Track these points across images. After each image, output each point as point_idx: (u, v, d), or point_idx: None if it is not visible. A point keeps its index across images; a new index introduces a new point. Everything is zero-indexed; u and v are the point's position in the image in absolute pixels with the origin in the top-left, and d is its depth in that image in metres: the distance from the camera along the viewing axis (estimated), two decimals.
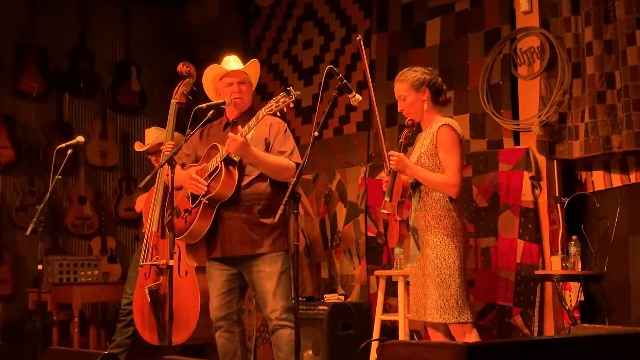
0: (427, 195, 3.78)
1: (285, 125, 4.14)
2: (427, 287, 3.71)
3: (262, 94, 6.87)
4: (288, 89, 3.70)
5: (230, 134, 3.87)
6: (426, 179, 3.76)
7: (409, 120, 3.89)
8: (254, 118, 3.86)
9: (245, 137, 3.82)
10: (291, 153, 4.03)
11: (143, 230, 5.03)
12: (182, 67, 4.84)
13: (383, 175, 3.88)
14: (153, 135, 5.49)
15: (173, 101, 4.84)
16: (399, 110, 3.93)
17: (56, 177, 4.89)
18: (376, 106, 4.46)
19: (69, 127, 7.46)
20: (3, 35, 7.20)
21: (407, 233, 3.88)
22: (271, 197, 3.98)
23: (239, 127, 3.90)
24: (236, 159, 3.97)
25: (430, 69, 3.95)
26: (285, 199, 3.31)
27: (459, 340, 3.62)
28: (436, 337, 3.81)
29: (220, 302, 4.06)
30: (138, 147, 5.63)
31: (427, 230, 3.74)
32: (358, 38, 4.03)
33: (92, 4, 7.72)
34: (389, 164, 3.81)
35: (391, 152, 3.80)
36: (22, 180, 7.18)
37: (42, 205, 4.88)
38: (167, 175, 3.94)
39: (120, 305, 5.65)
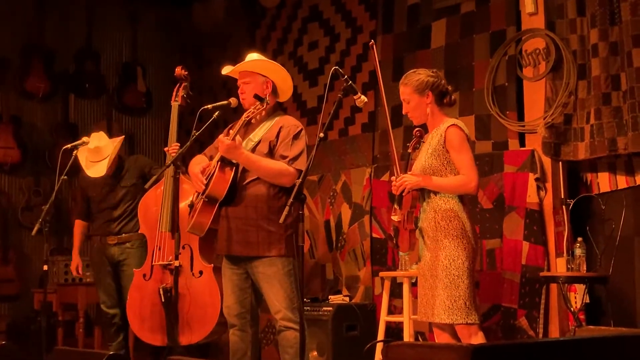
0: (436, 196, 3.75)
1: (299, 129, 4.01)
2: (435, 288, 3.69)
3: None
4: (262, 97, 3.84)
5: (220, 136, 3.89)
6: (440, 185, 3.72)
7: (417, 130, 3.88)
8: (237, 122, 3.94)
9: (234, 139, 3.82)
10: (293, 159, 3.93)
11: (140, 232, 5.02)
12: (180, 71, 4.98)
13: (393, 178, 3.86)
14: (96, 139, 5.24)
15: (175, 104, 4.89)
16: (403, 113, 3.92)
17: (62, 177, 4.91)
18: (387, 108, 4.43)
19: (75, 127, 7.48)
20: (10, 36, 7.23)
21: (417, 240, 3.86)
22: (271, 200, 3.94)
23: (230, 130, 3.93)
24: (234, 160, 3.98)
25: (434, 70, 3.91)
26: (291, 200, 3.32)
27: (465, 342, 3.62)
28: (442, 338, 3.79)
29: (232, 300, 4.05)
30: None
31: (436, 231, 3.71)
32: (371, 43, 4.02)
33: (99, 5, 7.74)
34: (397, 190, 3.78)
35: (397, 179, 3.78)
36: (28, 180, 7.21)
37: (47, 206, 4.89)
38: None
39: (103, 309, 5.40)
